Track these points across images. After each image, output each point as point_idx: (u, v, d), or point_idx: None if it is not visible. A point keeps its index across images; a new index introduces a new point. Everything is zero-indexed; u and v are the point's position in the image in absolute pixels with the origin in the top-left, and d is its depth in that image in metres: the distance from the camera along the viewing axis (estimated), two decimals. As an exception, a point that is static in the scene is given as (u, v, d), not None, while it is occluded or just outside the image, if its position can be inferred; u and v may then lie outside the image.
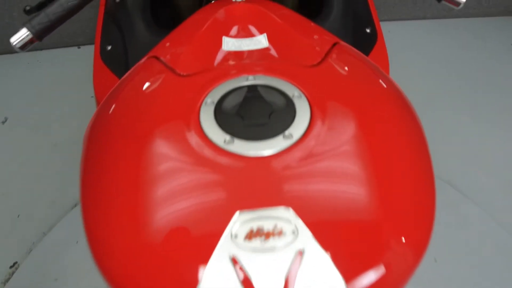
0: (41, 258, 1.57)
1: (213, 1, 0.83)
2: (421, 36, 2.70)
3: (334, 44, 0.62)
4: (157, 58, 0.60)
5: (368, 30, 0.95)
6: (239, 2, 0.78)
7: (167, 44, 0.65)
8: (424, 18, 2.77)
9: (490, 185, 1.84)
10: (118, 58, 0.89)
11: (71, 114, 2.16)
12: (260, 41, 0.64)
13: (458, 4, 0.77)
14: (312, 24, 0.71)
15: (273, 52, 0.61)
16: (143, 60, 0.61)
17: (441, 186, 1.80)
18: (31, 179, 1.86)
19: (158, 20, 0.94)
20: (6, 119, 2.17)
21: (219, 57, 0.60)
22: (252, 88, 0.50)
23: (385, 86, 0.57)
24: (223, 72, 0.53)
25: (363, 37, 0.94)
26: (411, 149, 0.51)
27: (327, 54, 0.59)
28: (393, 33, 2.70)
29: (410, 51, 2.60)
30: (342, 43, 0.63)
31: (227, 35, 0.66)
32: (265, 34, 0.65)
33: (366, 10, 0.97)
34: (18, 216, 1.73)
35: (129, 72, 0.60)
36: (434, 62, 2.53)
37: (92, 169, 0.50)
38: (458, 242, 1.63)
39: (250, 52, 0.61)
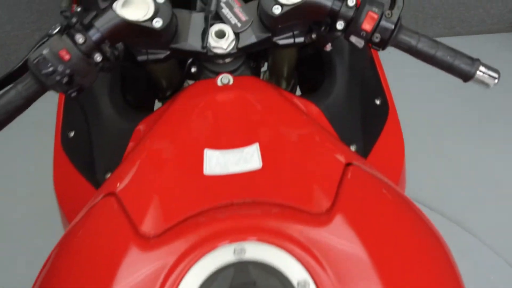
0: None
1: (189, 83, 0.70)
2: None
3: (347, 165, 0.49)
4: (116, 197, 0.46)
5: (378, 102, 0.84)
6: (224, 87, 0.66)
7: (130, 173, 0.51)
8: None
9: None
10: (81, 148, 0.76)
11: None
12: (252, 157, 0.51)
13: (488, 85, 0.67)
14: (317, 127, 0.58)
15: (267, 178, 0.48)
16: (98, 198, 0.48)
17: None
18: None
19: (130, 98, 0.82)
20: None
21: (198, 191, 0.47)
22: (241, 268, 0.37)
23: (416, 228, 0.44)
24: (202, 236, 0.40)
25: (372, 109, 0.83)
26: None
27: (339, 186, 0.45)
28: (393, 54, 2.57)
29: (411, 70, 2.48)
30: (356, 163, 0.50)
31: (210, 143, 0.53)
32: (257, 145, 0.52)
33: (375, 78, 0.86)
34: None
35: (81, 216, 0.47)
36: (435, 82, 2.41)
37: None
38: None
39: (238, 179, 0.48)
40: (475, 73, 0.68)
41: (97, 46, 0.64)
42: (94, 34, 0.63)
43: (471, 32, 2.66)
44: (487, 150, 2.00)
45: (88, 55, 0.63)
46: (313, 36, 0.74)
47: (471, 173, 1.92)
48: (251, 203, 0.43)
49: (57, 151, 0.78)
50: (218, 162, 0.50)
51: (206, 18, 0.71)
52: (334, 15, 0.67)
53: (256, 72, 0.95)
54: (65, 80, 0.61)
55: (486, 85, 0.67)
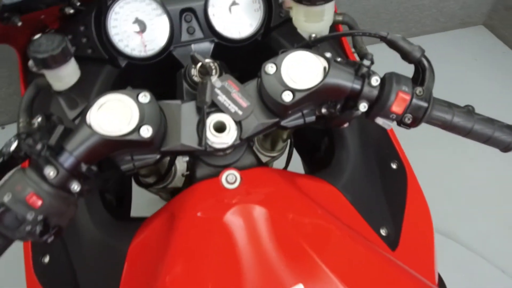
0: None
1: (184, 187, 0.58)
2: (381, 57, 2.55)
3: None
4: None
5: (394, 166, 0.77)
6: (237, 198, 0.57)
7: None
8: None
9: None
10: (61, 275, 0.62)
11: None
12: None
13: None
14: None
15: None
16: None
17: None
18: None
19: (115, 206, 0.68)
20: None
21: None
22: None
23: None
24: None
25: (390, 175, 0.76)
26: None
27: None
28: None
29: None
30: None
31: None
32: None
33: (386, 139, 0.79)
34: None
35: None
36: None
37: None
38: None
39: None
40: None
41: (72, 174, 0.50)
42: (67, 160, 0.50)
43: (425, 32, 2.67)
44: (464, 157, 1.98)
45: (63, 188, 0.49)
46: (325, 111, 0.63)
47: (452, 183, 1.90)
48: None
49: (30, 282, 0.63)
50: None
51: (200, 110, 0.59)
52: (355, 96, 0.58)
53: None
54: (38, 229, 0.47)
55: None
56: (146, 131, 0.53)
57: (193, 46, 0.81)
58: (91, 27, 0.76)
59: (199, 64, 0.62)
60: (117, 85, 0.82)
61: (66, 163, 0.49)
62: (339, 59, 0.60)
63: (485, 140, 0.59)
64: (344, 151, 0.75)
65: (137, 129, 0.53)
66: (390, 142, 0.79)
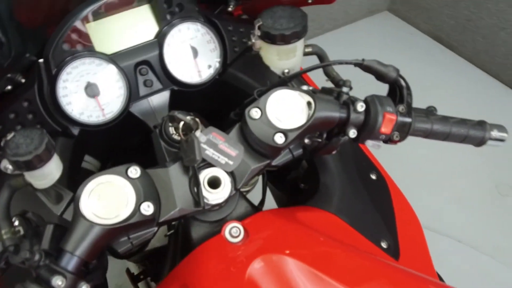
0: None
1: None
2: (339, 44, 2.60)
3: None
4: None
5: (374, 177, 0.79)
6: (246, 247, 0.55)
7: None
8: (334, 28, 2.68)
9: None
10: None
11: None
12: None
13: (502, 141, 0.61)
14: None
15: None
16: None
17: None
18: None
19: None
20: None
21: None
22: None
23: None
24: None
25: (372, 186, 0.78)
26: None
27: None
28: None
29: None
30: None
31: None
32: None
33: (360, 152, 0.82)
34: None
35: None
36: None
37: None
38: None
39: None
40: (489, 137, 0.62)
41: (79, 276, 0.46)
42: (70, 263, 0.46)
43: (338, 25, 2.76)
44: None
45: None
46: (309, 141, 0.63)
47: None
48: None
49: None
50: None
51: (187, 169, 0.56)
52: (343, 124, 0.58)
53: None
54: None
55: (500, 141, 0.61)
56: (148, 209, 0.50)
57: (149, 100, 0.75)
58: (36, 100, 0.67)
59: (181, 123, 0.58)
60: (76, 156, 0.74)
61: (71, 266, 0.45)
62: (319, 91, 0.60)
63: (461, 140, 0.61)
64: (328, 175, 0.74)
65: (137, 209, 0.49)
66: (364, 154, 0.81)
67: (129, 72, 0.71)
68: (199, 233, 0.62)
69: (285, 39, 0.61)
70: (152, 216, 0.50)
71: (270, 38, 0.62)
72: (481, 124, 0.61)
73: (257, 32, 0.62)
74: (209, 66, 0.77)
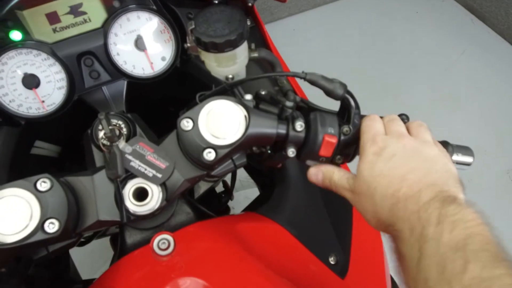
0: None
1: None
2: (327, 22, 2.47)
3: None
4: None
5: None
6: (170, 264, 0.53)
7: None
8: (324, 3, 2.53)
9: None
10: None
11: None
12: None
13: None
14: None
15: None
16: None
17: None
18: None
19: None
20: None
21: None
22: None
23: None
24: None
25: (333, 198, 0.69)
26: None
27: None
28: (299, 29, 2.44)
29: (322, 37, 2.39)
30: None
31: None
32: None
33: None
34: None
35: None
36: (347, 44, 2.34)
37: None
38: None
39: None
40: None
41: None
42: None
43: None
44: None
45: None
46: (256, 149, 0.59)
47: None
48: None
49: None
50: None
51: (112, 182, 0.52)
52: (283, 140, 0.53)
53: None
54: None
55: (464, 165, 0.56)
56: (52, 227, 0.46)
57: (103, 88, 0.71)
58: None
59: (102, 132, 0.55)
60: (23, 144, 0.72)
61: None
62: (261, 105, 0.54)
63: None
64: (285, 184, 0.70)
65: (39, 227, 0.46)
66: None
67: (71, 63, 0.67)
68: (133, 240, 0.60)
69: (218, 48, 0.55)
70: (58, 234, 0.47)
71: (202, 45, 0.56)
72: (466, 148, 0.55)
73: (191, 37, 0.56)
74: (163, 58, 0.71)
